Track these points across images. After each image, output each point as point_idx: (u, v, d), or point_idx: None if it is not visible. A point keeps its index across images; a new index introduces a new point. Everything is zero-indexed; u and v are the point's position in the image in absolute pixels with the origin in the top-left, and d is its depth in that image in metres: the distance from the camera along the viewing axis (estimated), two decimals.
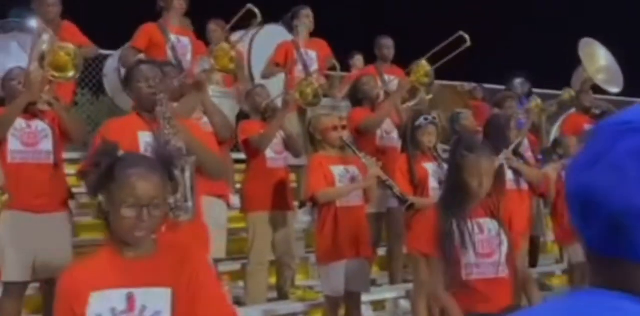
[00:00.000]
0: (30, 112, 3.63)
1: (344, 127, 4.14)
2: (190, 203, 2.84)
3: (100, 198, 1.86)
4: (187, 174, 2.85)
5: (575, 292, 0.77)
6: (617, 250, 0.72)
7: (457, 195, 2.87)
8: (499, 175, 4.15)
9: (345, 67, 7.10)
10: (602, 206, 0.72)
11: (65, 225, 3.73)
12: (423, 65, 5.35)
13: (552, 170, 5.01)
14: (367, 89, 5.25)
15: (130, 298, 1.83)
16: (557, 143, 5.53)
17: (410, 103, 5.57)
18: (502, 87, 7.48)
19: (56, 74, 3.65)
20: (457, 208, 2.84)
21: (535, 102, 6.01)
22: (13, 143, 3.59)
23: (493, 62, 10.36)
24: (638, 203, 0.70)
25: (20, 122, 3.61)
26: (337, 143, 4.05)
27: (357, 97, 5.29)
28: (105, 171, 1.84)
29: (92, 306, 1.81)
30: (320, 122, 4.09)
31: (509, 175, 4.55)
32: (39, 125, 3.66)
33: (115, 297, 1.83)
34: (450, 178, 2.95)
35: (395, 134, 5.24)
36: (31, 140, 3.62)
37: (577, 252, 4.99)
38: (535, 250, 5.90)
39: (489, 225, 2.87)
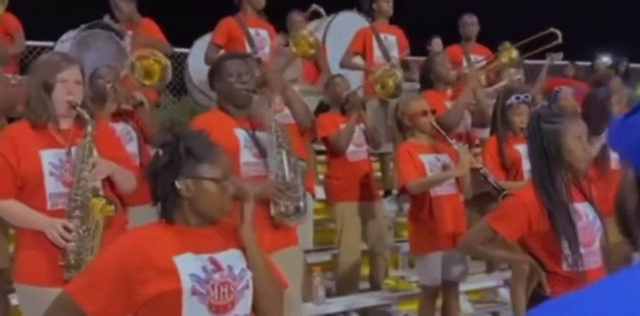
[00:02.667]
0: (115, 113, 3.66)
1: (433, 112, 3.96)
2: (303, 207, 2.96)
3: (179, 184, 1.87)
4: (300, 179, 2.96)
5: None
6: None
7: (557, 170, 2.61)
8: (602, 154, 3.88)
9: (424, 52, 6.89)
10: None
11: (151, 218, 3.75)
12: (510, 50, 5.11)
13: None
14: (440, 69, 4.79)
15: (213, 261, 1.88)
16: None
17: (497, 86, 5.29)
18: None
19: (145, 82, 3.75)
20: (559, 187, 2.60)
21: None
22: None
23: (581, 38, 9.83)
24: None
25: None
26: (427, 129, 3.88)
27: (428, 78, 4.82)
28: (185, 152, 1.86)
29: (182, 267, 1.82)
30: (409, 106, 3.93)
31: (614, 154, 4.24)
32: (123, 128, 3.67)
33: (200, 260, 1.87)
34: (543, 154, 2.66)
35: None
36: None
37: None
38: None
39: (587, 210, 2.62)
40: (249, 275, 1.92)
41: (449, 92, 5.10)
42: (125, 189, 2.74)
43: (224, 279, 1.87)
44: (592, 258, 2.58)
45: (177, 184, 1.86)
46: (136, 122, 3.73)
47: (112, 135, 2.99)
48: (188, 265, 1.84)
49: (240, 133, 2.97)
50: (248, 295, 1.91)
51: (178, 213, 1.90)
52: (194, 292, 1.82)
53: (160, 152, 1.91)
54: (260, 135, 3.01)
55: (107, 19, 5.31)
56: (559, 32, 5.05)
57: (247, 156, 3.00)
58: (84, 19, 5.28)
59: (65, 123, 2.65)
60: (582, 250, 2.55)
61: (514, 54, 5.15)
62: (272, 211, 2.91)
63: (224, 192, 1.89)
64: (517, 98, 4.08)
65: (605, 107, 4.34)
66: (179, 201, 1.88)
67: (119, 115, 3.69)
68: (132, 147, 3.64)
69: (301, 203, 2.95)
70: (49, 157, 2.57)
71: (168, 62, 3.89)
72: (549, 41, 5.10)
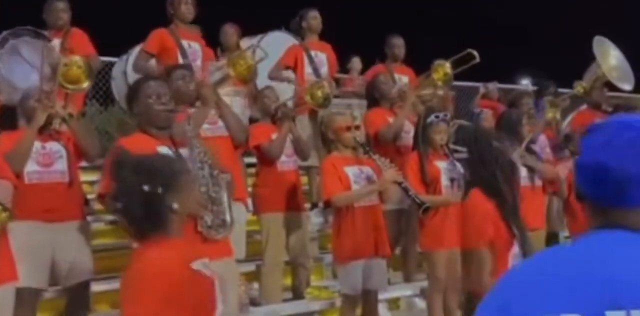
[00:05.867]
0: (46, 133, 3.64)
1: (357, 127, 4.12)
2: (229, 219, 2.95)
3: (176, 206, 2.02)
4: (225, 192, 2.95)
5: (590, 234, 1.10)
6: (615, 202, 1.09)
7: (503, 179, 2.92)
8: (512, 172, 4.15)
9: (344, 70, 7.15)
10: (611, 174, 1.08)
11: (82, 232, 3.73)
12: (443, 66, 5.38)
13: (563, 168, 4.98)
14: (385, 88, 5.24)
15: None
16: (567, 139, 5.49)
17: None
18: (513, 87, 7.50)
19: (71, 87, 3.70)
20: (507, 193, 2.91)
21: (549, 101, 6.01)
22: (29, 165, 3.59)
23: (503, 62, 10.34)
24: (634, 173, 1.07)
25: (36, 145, 3.61)
26: (350, 143, 4.03)
27: (373, 97, 5.27)
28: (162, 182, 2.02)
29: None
30: (334, 121, 4.07)
31: (523, 171, 4.53)
32: (53, 146, 3.66)
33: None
34: (488, 166, 2.98)
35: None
36: (46, 160, 3.64)
37: None
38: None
39: None
40: None
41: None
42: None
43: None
44: None
45: (175, 206, 2.01)
46: (66, 140, 3.71)
47: None
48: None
49: (164, 151, 2.95)
50: None
51: (171, 229, 2.03)
52: None
53: (126, 178, 2.02)
54: (184, 152, 3.02)
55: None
56: (476, 53, 5.33)
57: None
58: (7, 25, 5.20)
59: None
60: None
61: (448, 69, 5.40)
62: (198, 225, 2.92)
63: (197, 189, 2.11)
64: (437, 116, 4.31)
65: (516, 127, 4.66)
66: (170, 217, 2.02)
67: (49, 134, 3.66)
68: (61, 165, 3.66)
69: (227, 216, 2.97)
70: None
71: (84, 59, 3.82)
72: (467, 62, 5.38)
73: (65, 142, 3.71)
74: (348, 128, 4.01)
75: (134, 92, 3.08)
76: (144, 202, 1.98)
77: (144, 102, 2.98)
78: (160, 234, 2.00)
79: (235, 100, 4.61)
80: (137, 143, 2.90)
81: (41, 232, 3.57)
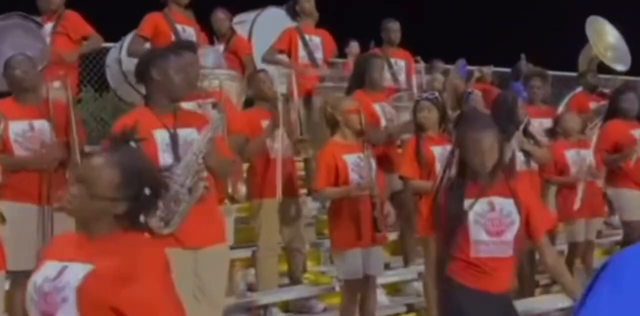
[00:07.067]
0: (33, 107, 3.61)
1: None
2: (179, 222, 2.85)
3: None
4: (195, 195, 2.88)
5: None
6: None
7: (461, 174, 2.86)
8: (511, 157, 4.14)
9: (342, 55, 7.10)
10: None
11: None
12: None
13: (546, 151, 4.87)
14: (375, 75, 4.98)
15: None
16: (557, 120, 5.39)
17: None
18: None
19: None
20: (461, 187, 2.83)
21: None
22: (18, 150, 3.61)
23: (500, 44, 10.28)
24: None
25: (23, 126, 3.60)
26: (356, 126, 3.98)
27: (362, 79, 4.97)
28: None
29: None
30: (342, 103, 4.04)
31: (520, 156, 4.52)
32: (43, 125, 3.65)
33: None
34: (452, 157, 2.92)
35: None
36: (33, 144, 3.63)
37: (575, 232, 4.98)
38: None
39: (503, 204, 2.85)
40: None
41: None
42: None
43: None
44: (499, 248, 2.81)
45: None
46: (56, 118, 3.68)
47: None
48: None
49: (161, 134, 2.92)
50: None
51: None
52: None
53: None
54: (184, 133, 2.97)
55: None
56: None
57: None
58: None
59: None
60: (489, 239, 2.80)
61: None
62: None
63: None
64: (422, 96, 4.31)
65: (512, 109, 4.62)
66: None
67: (38, 112, 3.64)
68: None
69: (175, 219, 2.86)
70: None
71: None
72: None
73: (53, 121, 3.65)
74: (356, 111, 3.98)
75: (148, 66, 3.00)
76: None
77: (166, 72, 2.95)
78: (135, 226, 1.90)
79: (230, 85, 4.56)
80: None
81: (26, 213, 3.57)
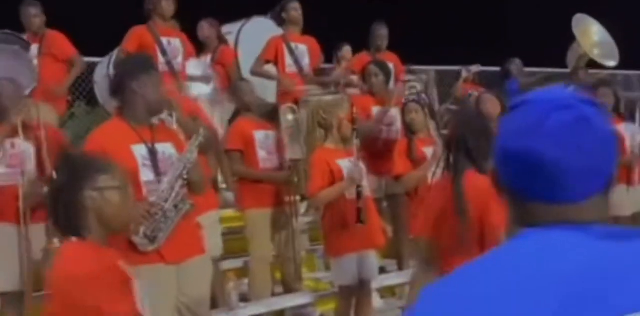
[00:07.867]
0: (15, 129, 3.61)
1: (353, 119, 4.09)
2: (161, 238, 2.84)
3: (85, 197, 1.95)
4: (182, 212, 2.87)
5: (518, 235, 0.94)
6: (540, 195, 0.93)
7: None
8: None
9: (333, 60, 7.09)
10: (541, 164, 0.91)
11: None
12: None
13: None
14: (373, 81, 5.19)
15: None
16: None
17: None
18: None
19: None
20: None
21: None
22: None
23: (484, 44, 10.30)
24: (570, 163, 0.90)
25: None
26: (348, 133, 3.96)
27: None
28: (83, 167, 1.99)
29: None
30: (339, 107, 4.02)
31: None
32: (22, 145, 3.65)
33: None
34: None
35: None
36: (14, 162, 3.62)
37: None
38: None
39: None
40: None
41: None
42: None
43: None
44: None
45: (83, 197, 1.91)
46: (36, 138, 3.68)
47: None
48: None
49: (139, 150, 2.91)
50: None
51: (85, 228, 1.93)
52: None
53: (57, 173, 1.97)
54: (163, 148, 2.96)
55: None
56: None
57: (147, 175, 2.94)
58: None
59: None
60: None
61: None
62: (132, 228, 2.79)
63: (127, 199, 1.98)
64: (409, 99, 4.33)
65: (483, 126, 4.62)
66: (85, 215, 1.92)
67: (17, 132, 3.63)
68: (30, 165, 3.64)
69: (160, 235, 2.86)
70: None
71: None
72: None
73: (34, 141, 3.65)
74: (350, 118, 3.98)
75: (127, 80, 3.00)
76: (60, 201, 1.94)
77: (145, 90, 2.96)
78: (74, 235, 1.94)
79: (215, 109, 4.58)
80: (107, 138, 2.88)
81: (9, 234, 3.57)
